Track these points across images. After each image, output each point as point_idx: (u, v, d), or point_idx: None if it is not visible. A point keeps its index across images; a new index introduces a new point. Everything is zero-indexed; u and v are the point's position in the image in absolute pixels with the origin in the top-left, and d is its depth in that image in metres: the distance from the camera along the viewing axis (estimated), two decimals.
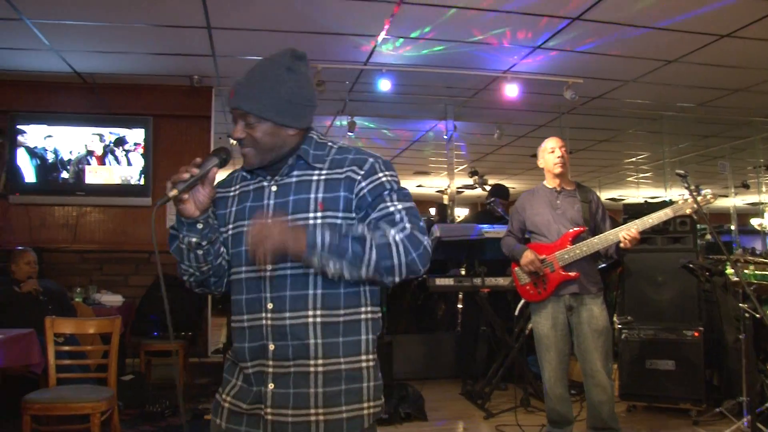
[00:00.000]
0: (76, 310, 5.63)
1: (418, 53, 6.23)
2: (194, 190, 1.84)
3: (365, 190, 1.90)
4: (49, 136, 6.88)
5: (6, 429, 4.69)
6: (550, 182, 4.33)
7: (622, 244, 3.93)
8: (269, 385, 1.89)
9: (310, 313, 1.88)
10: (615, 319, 5.42)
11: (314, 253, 1.73)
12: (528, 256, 4.16)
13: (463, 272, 6.44)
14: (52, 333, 4.17)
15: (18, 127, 6.82)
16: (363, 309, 1.95)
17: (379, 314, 2.02)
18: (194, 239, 1.88)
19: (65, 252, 7.02)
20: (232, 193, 2.05)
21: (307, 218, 1.88)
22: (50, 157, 6.88)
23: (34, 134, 6.86)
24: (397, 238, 1.79)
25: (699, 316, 5.34)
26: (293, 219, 1.88)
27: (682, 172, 3.97)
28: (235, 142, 1.95)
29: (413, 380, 6.29)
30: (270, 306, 1.89)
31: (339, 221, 1.89)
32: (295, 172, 1.97)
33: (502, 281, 5.80)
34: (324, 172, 1.94)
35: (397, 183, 1.95)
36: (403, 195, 1.93)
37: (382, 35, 5.72)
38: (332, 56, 6.31)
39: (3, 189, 6.90)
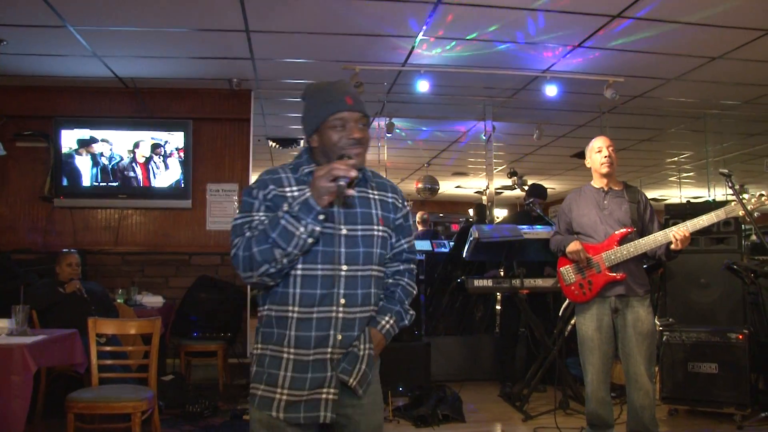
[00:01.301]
0: (118, 311, 5.72)
1: (456, 54, 6.19)
2: None
3: (404, 218, 2.40)
4: (92, 140, 6.99)
5: (52, 426, 4.79)
6: (597, 182, 4.27)
7: (673, 245, 3.86)
8: (336, 369, 2.19)
9: (372, 308, 2.27)
10: (656, 321, 5.33)
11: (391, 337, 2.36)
12: (576, 244, 4.12)
13: (501, 273, 6.39)
14: (95, 333, 4.24)
15: (62, 131, 6.94)
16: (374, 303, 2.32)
17: None
18: (318, 228, 2.06)
19: (108, 254, 7.13)
20: (289, 194, 2.18)
21: (373, 230, 2.25)
22: (93, 160, 6.99)
23: (77, 139, 6.97)
24: (411, 282, 2.44)
25: (744, 318, 5.23)
26: (362, 229, 2.22)
27: (725, 171, 3.89)
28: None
29: (451, 382, 6.28)
30: (343, 301, 2.17)
31: (387, 235, 2.31)
32: (356, 188, 2.22)
33: (541, 282, 5.73)
34: (376, 192, 2.32)
35: None
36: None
37: (420, 36, 5.70)
38: (370, 58, 6.31)
39: (47, 192, 7.04)
